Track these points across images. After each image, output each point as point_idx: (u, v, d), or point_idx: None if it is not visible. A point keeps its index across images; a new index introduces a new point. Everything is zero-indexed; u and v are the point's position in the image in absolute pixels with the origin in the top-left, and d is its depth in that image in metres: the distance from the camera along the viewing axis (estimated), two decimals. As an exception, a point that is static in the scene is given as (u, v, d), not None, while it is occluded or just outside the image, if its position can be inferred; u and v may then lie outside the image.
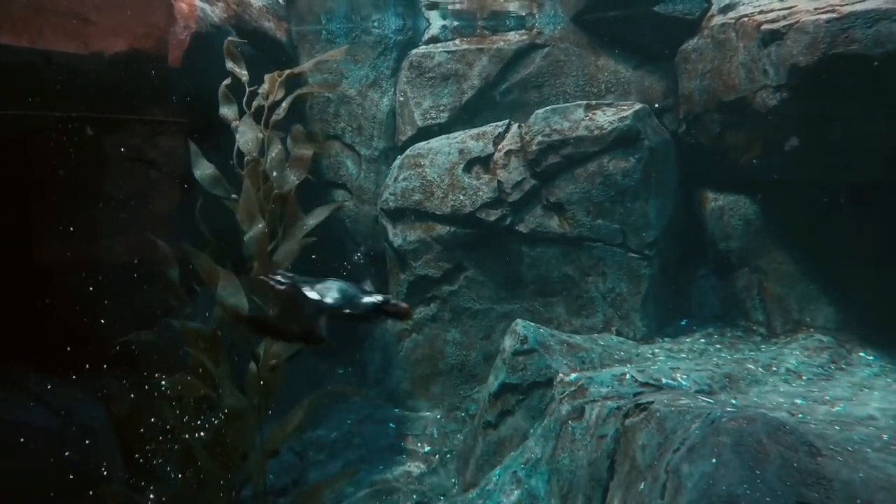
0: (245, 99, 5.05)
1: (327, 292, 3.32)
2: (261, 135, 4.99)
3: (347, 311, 3.25)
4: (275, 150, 5.01)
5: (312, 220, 5.02)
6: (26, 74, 4.09)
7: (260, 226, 4.79)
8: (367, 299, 3.25)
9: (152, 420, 4.51)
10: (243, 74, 5.11)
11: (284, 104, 5.11)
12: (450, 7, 7.51)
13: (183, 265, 4.73)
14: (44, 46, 4.16)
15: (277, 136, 5.07)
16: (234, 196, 4.91)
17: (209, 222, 4.90)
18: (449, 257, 6.56)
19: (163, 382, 4.46)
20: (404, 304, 3.33)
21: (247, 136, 4.96)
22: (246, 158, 4.93)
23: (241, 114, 5.04)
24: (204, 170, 4.90)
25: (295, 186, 5.00)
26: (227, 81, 5.10)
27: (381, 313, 3.25)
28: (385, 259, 7.02)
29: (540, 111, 6.57)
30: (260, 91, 5.12)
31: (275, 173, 4.95)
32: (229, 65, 5.14)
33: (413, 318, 3.29)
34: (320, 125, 7.59)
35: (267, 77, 5.16)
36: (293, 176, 5.00)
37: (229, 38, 5.28)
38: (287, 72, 5.23)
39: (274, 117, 5.06)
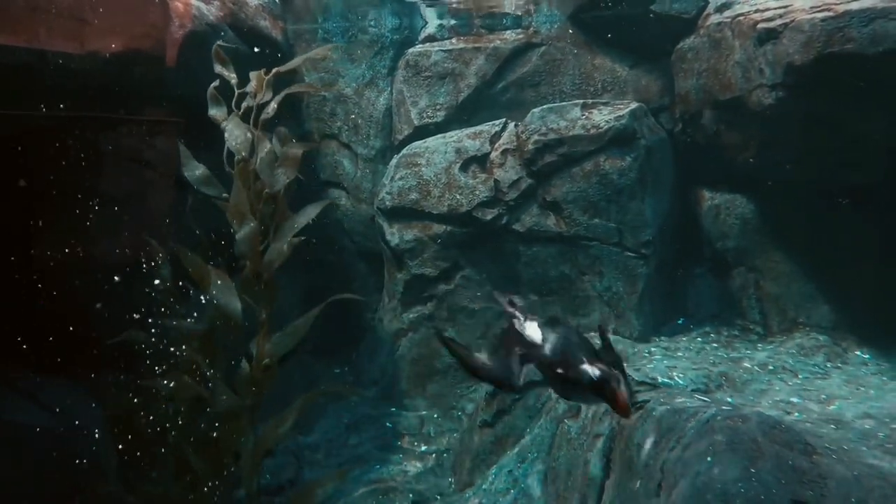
0: (234, 99, 5.04)
1: (549, 338, 2.95)
2: (250, 134, 4.97)
3: (559, 369, 2.80)
4: (264, 150, 4.99)
5: (302, 219, 5.01)
6: (22, 74, 4.08)
7: (251, 225, 4.77)
8: (586, 367, 2.72)
9: (146, 420, 4.50)
10: (232, 77, 5.09)
11: (274, 103, 5.09)
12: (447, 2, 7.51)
13: (177, 265, 4.73)
14: (40, 46, 4.15)
15: (266, 135, 5.06)
16: (224, 196, 4.90)
17: (202, 222, 4.89)
18: (445, 256, 6.56)
19: (156, 382, 4.45)
20: (623, 396, 2.66)
21: (235, 134, 4.94)
22: (236, 158, 4.92)
23: (230, 114, 5.02)
24: (194, 170, 4.89)
25: (285, 186, 4.98)
26: (217, 83, 5.09)
27: (594, 389, 2.70)
28: (381, 258, 7.02)
29: (536, 110, 6.56)
30: (248, 90, 5.10)
31: (265, 173, 4.92)
32: (218, 68, 5.13)
33: (629, 415, 2.70)
34: (316, 124, 7.59)
35: (253, 75, 5.13)
36: (283, 175, 4.97)
37: (218, 43, 5.27)
38: (274, 70, 5.20)
39: (263, 116, 5.04)
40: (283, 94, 5.19)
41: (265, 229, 4.90)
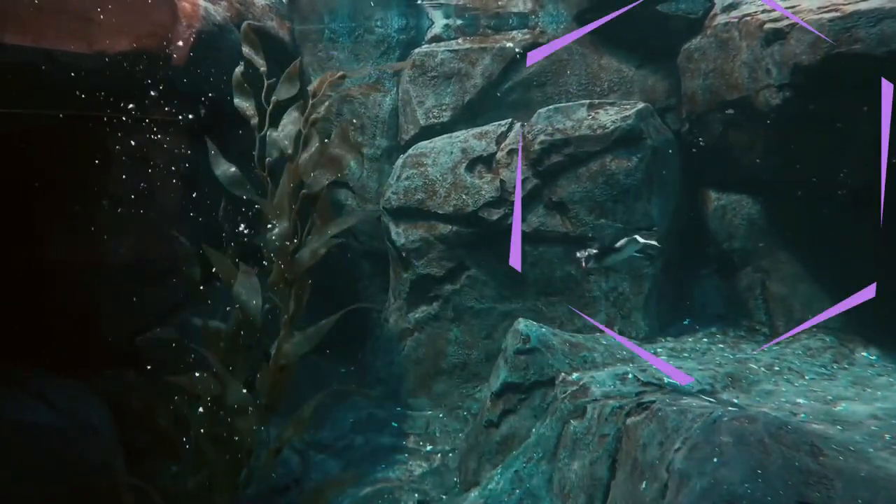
0: (265, 90, 4.93)
1: None
2: (300, 131, 4.86)
3: None
4: (311, 149, 4.91)
5: (341, 225, 4.95)
6: (30, 74, 4.10)
7: (285, 224, 4.71)
8: None
9: (159, 418, 4.51)
10: (261, 63, 4.97)
11: (328, 103, 5.02)
12: (453, 3, 7.50)
13: (182, 263, 4.73)
14: (47, 46, 4.16)
15: (315, 133, 4.97)
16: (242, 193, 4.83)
17: (208, 221, 4.88)
18: (451, 256, 6.57)
19: (172, 380, 4.45)
20: None
21: (288, 130, 4.86)
22: (268, 159, 4.83)
23: (259, 107, 4.93)
24: (223, 169, 4.82)
25: (325, 187, 4.90)
26: (241, 69, 4.95)
27: None
28: (387, 258, 7.03)
29: (542, 110, 6.56)
30: (308, 89, 5.04)
31: (306, 173, 4.84)
32: (246, 51, 4.97)
33: None
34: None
35: (318, 78, 5.07)
36: (325, 176, 4.84)
37: (247, 22, 5.15)
38: (339, 73, 5.16)
39: (314, 115, 4.97)
40: (337, 95, 5.11)
41: (294, 229, 4.83)
